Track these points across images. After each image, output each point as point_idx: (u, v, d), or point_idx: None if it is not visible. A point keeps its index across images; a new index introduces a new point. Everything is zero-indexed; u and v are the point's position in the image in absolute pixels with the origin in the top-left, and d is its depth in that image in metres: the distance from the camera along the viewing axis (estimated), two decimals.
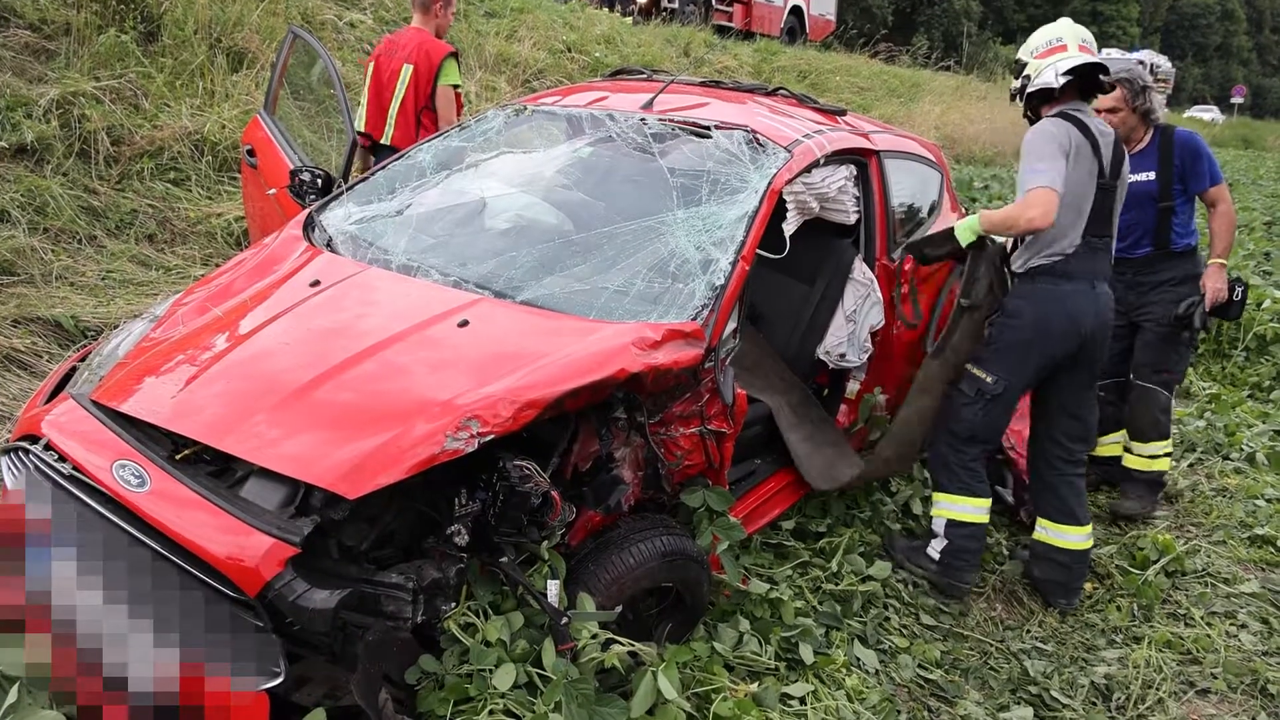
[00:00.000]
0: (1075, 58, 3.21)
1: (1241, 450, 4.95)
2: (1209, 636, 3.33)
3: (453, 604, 2.19)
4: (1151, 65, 40.10)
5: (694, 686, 2.45)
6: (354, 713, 2.17)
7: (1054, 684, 3.01)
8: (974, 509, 3.40)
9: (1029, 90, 3.29)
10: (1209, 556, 3.89)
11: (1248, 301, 4.29)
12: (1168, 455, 4.18)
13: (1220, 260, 3.99)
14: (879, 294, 3.57)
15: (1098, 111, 3.81)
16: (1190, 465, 4.81)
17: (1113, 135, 3.31)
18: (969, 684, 2.96)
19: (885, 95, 16.51)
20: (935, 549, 3.44)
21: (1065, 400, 3.40)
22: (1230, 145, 32.22)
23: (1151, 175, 3.99)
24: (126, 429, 2.25)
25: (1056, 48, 3.26)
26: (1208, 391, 5.82)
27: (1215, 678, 3.15)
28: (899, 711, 2.76)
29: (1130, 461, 4.21)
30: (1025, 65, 3.33)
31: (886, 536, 3.64)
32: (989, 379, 3.29)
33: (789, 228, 3.34)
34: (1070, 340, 3.24)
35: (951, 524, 3.40)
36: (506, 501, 2.18)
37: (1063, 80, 3.17)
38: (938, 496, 3.48)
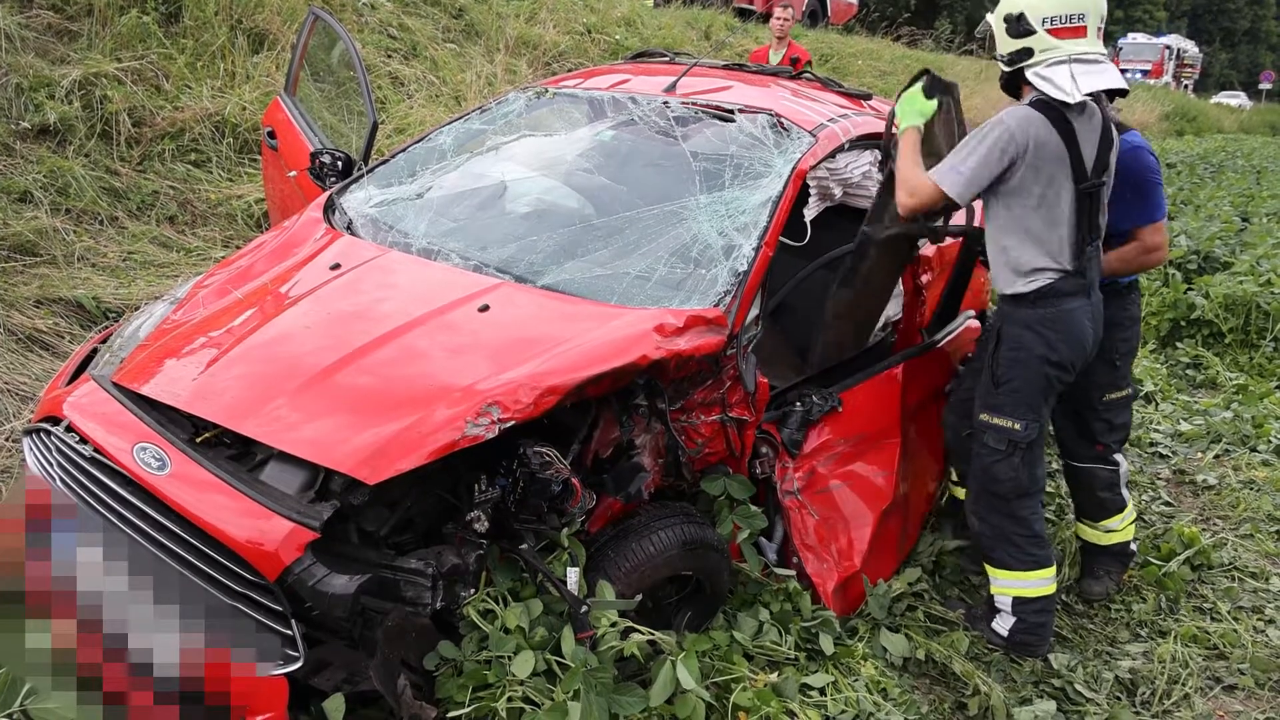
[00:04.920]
0: (1097, 64, 2.72)
1: (1270, 442, 4.88)
2: (1236, 631, 3.29)
3: (472, 590, 2.18)
4: (1178, 50, 39.59)
5: (713, 676, 2.44)
6: (373, 698, 2.18)
7: (1078, 678, 2.98)
8: (1041, 581, 3.00)
9: (1028, 74, 2.76)
10: (1236, 550, 3.83)
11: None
12: (1131, 524, 3.48)
13: None
14: (899, 284, 3.52)
15: None
16: (1217, 457, 4.75)
17: (1100, 121, 2.81)
18: (992, 677, 2.93)
19: (908, 79, 16.36)
20: (1002, 626, 3.05)
21: (1058, 409, 3.14)
22: (1259, 132, 31.76)
23: None
24: (147, 411, 2.25)
25: (1077, 29, 2.70)
26: (1235, 382, 5.74)
27: (1242, 673, 3.10)
28: (920, 703, 2.74)
29: (1085, 534, 3.50)
30: (1032, 31, 2.73)
31: (961, 606, 3.25)
32: (1017, 426, 2.88)
33: (810, 213, 3.29)
34: (1079, 362, 2.92)
35: (1020, 601, 3.01)
36: (526, 488, 2.17)
37: (1083, 99, 2.67)
38: (997, 573, 3.04)
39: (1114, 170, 2.90)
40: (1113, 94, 2.82)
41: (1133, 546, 3.49)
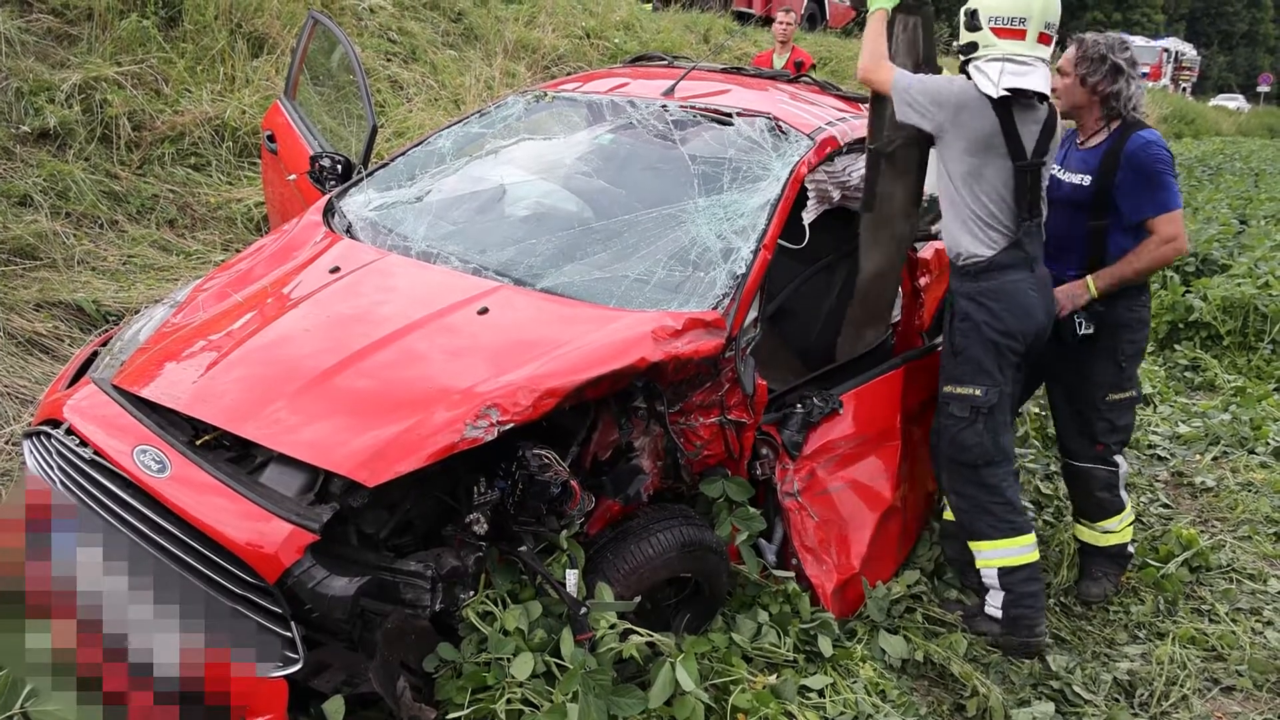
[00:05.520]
0: (1025, 66, 2.87)
1: (1268, 444, 4.88)
2: (1234, 633, 3.29)
3: (471, 592, 2.19)
4: (1176, 53, 39.57)
5: (712, 678, 2.45)
6: (372, 699, 2.18)
7: (1076, 679, 2.98)
8: (1023, 548, 3.06)
9: (968, 66, 2.96)
10: (1234, 552, 3.84)
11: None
12: (1130, 525, 3.48)
13: (1091, 279, 3.15)
14: (899, 288, 3.53)
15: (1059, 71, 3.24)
16: (1215, 459, 4.75)
17: (1044, 115, 2.95)
18: (990, 678, 2.94)
19: None
20: (994, 605, 3.09)
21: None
22: (1257, 134, 31.81)
23: (1086, 180, 3.16)
24: (147, 414, 2.25)
25: (1017, 31, 2.88)
26: (1233, 384, 5.75)
27: (1240, 675, 3.11)
28: (918, 705, 2.74)
29: (1082, 534, 3.50)
30: (979, 25, 2.93)
31: (959, 608, 3.25)
32: (977, 392, 2.99)
33: (808, 216, 3.30)
34: (1028, 332, 3.00)
35: (1005, 571, 3.06)
36: (525, 490, 2.17)
37: (1001, 94, 2.84)
38: (979, 546, 3.10)
39: (1055, 151, 3.08)
40: (1040, 96, 2.95)
41: (1130, 549, 3.51)
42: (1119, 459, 3.40)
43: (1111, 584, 3.48)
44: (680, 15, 13.40)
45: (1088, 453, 3.37)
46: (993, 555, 3.08)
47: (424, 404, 2.18)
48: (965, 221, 2.98)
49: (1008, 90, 2.85)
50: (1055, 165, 3.26)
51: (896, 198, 3.24)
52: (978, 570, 3.14)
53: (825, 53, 14.91)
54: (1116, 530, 3.44)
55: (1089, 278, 3.16)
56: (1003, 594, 3.07)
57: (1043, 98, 2.95)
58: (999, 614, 3.09)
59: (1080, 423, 3.35)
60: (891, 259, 3.35)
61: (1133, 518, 3.53)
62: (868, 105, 3.71)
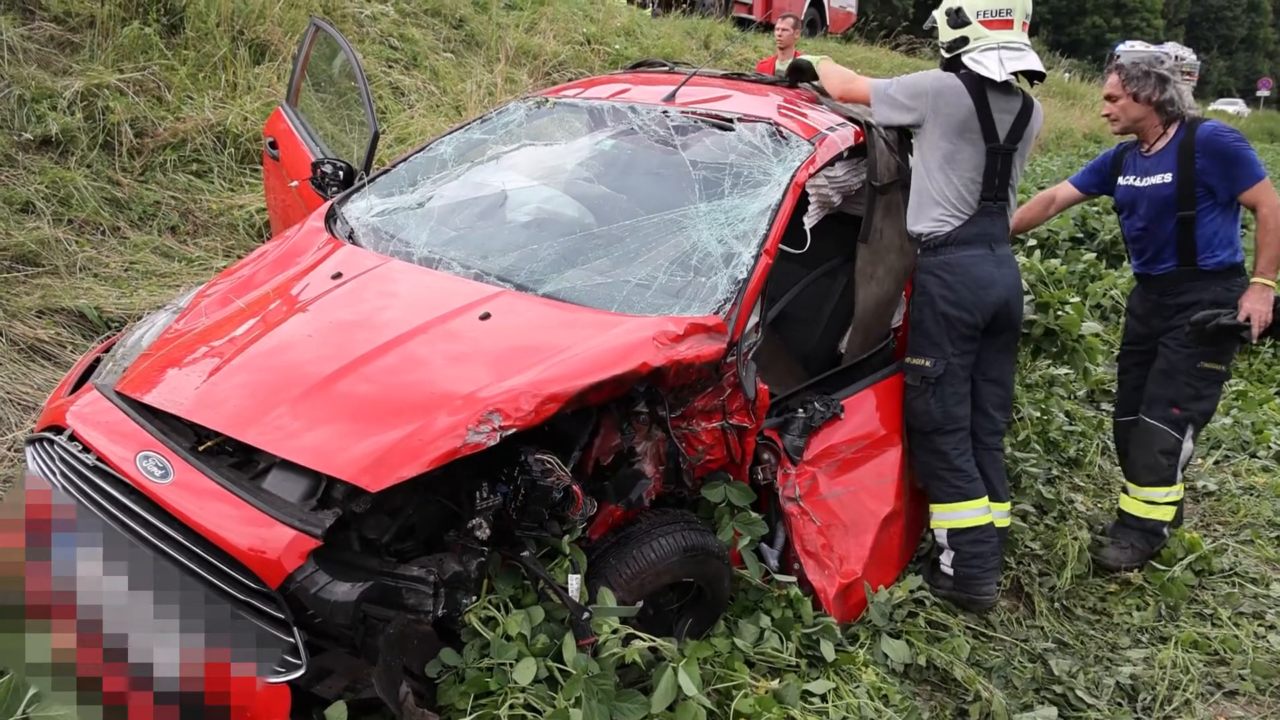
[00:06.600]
0: (1020, 51, 3.15)
1: (1269, 448, 4.89)
2: (1237, 637, 3.29)
3: (474, 597, 2.19)
4: (1176, 58, 39.66)
5: (714, 683, 2.45)
6: (375, 705, 2.18)
7: (1079, 684, 2.98)
8: (971, 512, 3.24)
9: (963, 58, 3.17)
10: (1236, 556, 3.84)
11: None
12: (1172, 505, 3.61)
13: (1262, 279, 3.35)
14: (900, 294, 3.53)
15: (1108, 98, 3.52)
16: (1217, 463, 4.75)
17: (1020, 102, 3.19)
18: (993, 683, 2.93)
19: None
20: (946, 563, 3.28)
21: (986, 365, 3.32)
22: (1257, 139, 31.83)
23: (1168, 178, 3.42)
24: (150, 420, 2.26)
25: (1005, 21, 3.14)
26: (1234, 388, 5.74)
27: (1243, 679, 3.11)
28: (921, 710, 2.74)
29: (1125, 503, 3.69)
30: (966, 20, 3.16)
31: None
32: (927, 363, 3.21)
33: (809, 221, 3.31)
34: (985, 308, 3.19)
35: (954, 533, 3.25)
36: (528, 495, 2.17)
37: (1007, 78, 3.10)
38: (934, 508, 3.30)
39: (1025, 146, 3.27)
40: (1033, 77, 3.22)
41: (1165, 531, 3.62)
42: (1188, 435, 3.52)
43: (1134, 556, 3.57)
44: (680, 21, 13.43)
45: (1164, 413, 3.52)
46: (942, 517, 3.28)
47: (426, 409, 2.18)
48: (932, 203, 3.19)
49: (1011, 74, 3.10)
50: (1128, 178, 3.52)
51: (887, 231, 3.32)
52: (932, 530, 3.33)
53: None
54: (1160, 502, 3.57)
55: (1255, 280, 3.38)
56: (952, 553, 3.26)
57: (1040, 77, 3.22)
58: (950, 571, 3.27)
59: (1167, 382, 3.51)
60: (888, 292, 3.37)
61: (1179, 498, 3.63)
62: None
